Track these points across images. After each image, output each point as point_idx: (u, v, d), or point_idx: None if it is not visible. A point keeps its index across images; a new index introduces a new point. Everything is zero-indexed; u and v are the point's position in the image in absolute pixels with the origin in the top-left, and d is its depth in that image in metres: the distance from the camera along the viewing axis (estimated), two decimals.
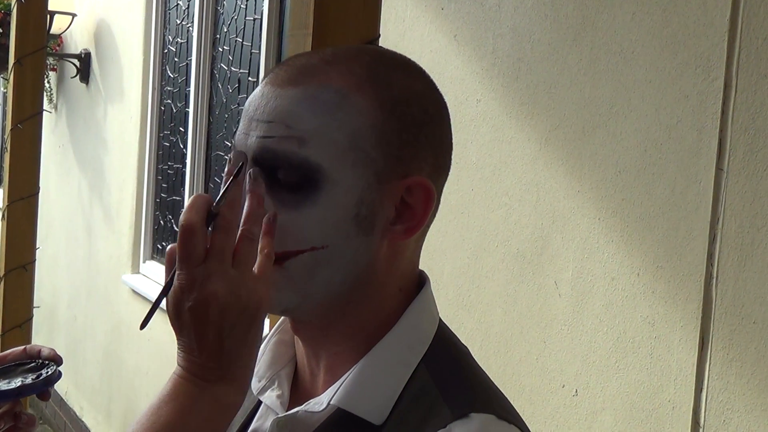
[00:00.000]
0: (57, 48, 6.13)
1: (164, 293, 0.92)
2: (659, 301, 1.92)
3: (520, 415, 1.01)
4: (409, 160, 0.98)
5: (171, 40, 4.91)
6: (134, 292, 4.99)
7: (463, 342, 1.09)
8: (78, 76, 5.87)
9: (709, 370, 1.81)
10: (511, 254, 2.33)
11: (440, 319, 1.07)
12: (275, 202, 0.95)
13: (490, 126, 2.40)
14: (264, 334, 1.12)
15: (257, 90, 0.99)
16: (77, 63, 5.87)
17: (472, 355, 1.08)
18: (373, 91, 0.96)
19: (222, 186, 0.94)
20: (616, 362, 2.02)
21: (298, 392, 1.08)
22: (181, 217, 0.91)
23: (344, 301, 0.99)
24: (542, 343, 2.23)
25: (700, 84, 1.83)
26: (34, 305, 3.02)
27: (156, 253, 5.07)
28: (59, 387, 6.28)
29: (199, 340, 0.91)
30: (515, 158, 2.32)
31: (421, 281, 1.07)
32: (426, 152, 0.99)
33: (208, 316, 0.89)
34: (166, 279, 0.93)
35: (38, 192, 3.24)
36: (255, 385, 1.10)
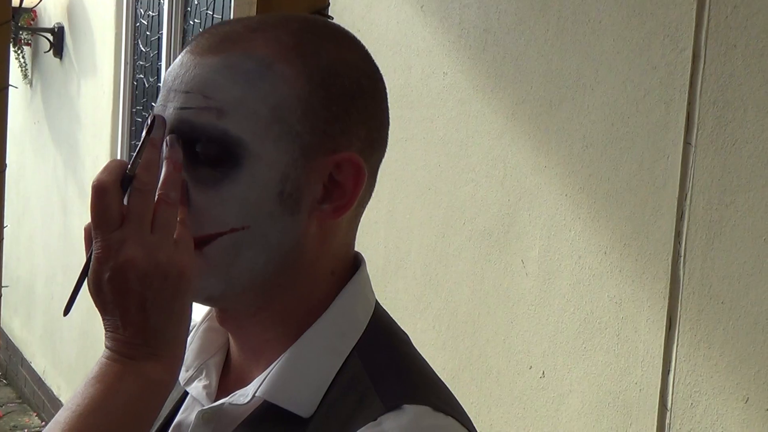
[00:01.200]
0: (31, 22, 6.02)
1: (84, 273, 0.85)
2: (626, 280, 1.85)
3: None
4: (338, 135, 0.91)
5: (143, 13, 4.81)
6: None
7: (402, 330, 1.02)
8: (51, 51, 5.76)
9: (676, 352, 1.75)
10: (478, 232, 2.26)
11: (378, 304, 1.00)
12: (193, 180, 0.89)
13: (457, 100, 2.32)
14: (193, 324, 1.06)
15: (177, 59, 0.92)
16: (50, 37, 5.76)
17: (412, 342, 1.01)
18: (301, 61, 0.89)
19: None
20: (582, 343, 1.96)
21: (228, 382, 1.01)
22: (93, 180, 0.85)
23: (271, 285, 0.92)
24: (509, 323, 2.16)
25: (668, 55, 1.76)
26: (4, 285, 2.94)
27: None
28: (37, 366, 6.22)
29: (122, 315, 0.84)
30: (482, 133, 2.25)
31: (356, 264, 1.00)
32: (357, 127, 0.92)
33: (127, 284, 0.83)
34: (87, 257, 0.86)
35: (5, 169, 3.12)
36: (182, 375, 1.03)
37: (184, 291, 0.86)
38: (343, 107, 0.90)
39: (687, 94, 1.72)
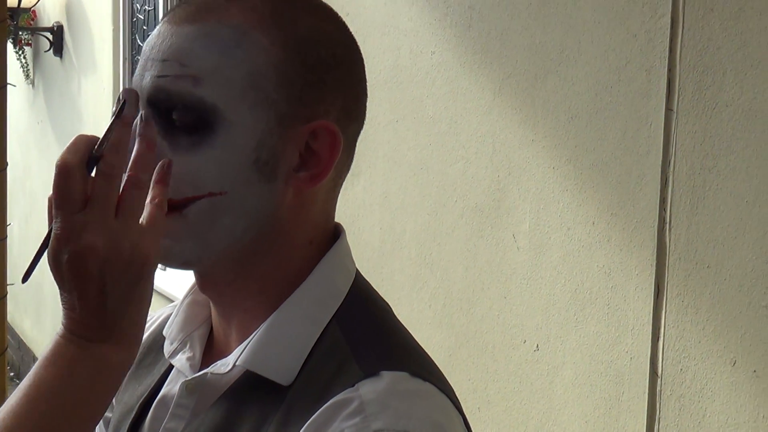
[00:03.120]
0: (31, 22, 6.05)
1: (45, 244, 0.83)
2: (615, 249, 1.86)
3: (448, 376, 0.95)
4: (313, 103, 0.92)
5: (139, 8, 4.83)
6: None
7: (382, 298, 1.02)
8: (51, 50, 5.79)
9: (665, 319, 1.75)
10: (469, 209, 2.27)
11: (358, 274, 1.01)
12: (171, 146, 0.89)
13: (445, 78, 2.33)
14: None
15: (155, 29, 0.94)
16: (50, 36, 5.79)
17: (393, 311, 1.02)
18: (276, 29, 0.90)
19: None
20: (574, 314, 1.96)
21: (211, 354, 1.02)
22: (58, 158, 0.83)
23: (249, 253, 0.94)
24: (503, 298, 2.17)
25: (647, 22, 1.76)
26: (9, 282, 2.96)
27: None
28: None
29: (80, 296, 0.83)
30: (470, 110, 2.25)
31: (336, 234, 1.01)
32: (333, 96, 0.93)
33: (87, 270, 0.81)
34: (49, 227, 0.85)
35: (6, 167, 3.13)
36: (167, 348, 1.04)
37: (147, 277, 0.84)
38: (319, 76, 0.91)
39: (667, 61, 1.72)
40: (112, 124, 0.85)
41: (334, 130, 0.92)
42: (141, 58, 0.93)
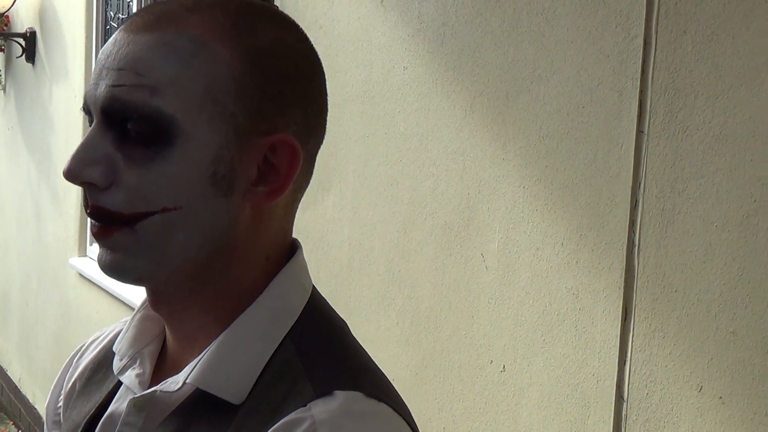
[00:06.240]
0: (4, 28, 5.99)
1: None
2: (583, 271, 1.84)
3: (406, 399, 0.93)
4: (273, 117, 0.89)
5: (112, 15, 4.79)
6: (81, 275, 4.88)
7: (339, 316, 1.00)
8: (24, 56, 5.73)
9: (632, 342, 1.73)
10: (439, 226, 2.25)
11: (315, 291, 0.99)
12: (124, 159, 0.87)
13: (417, 94, 2.31)
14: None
15: (111, 38, 0.91)
16: (22, 42, 5.72)
17: (350, 329, 1.00)
18: (236, 40, 0.88)
19: None
20: (542, 336, 1.94)
21: (163, 371, 1.00)
22: None
23: (203, 268, 0.91)
24: (470, 318, 2.15)
25: (620, 43, 1.75)
26: None
27: None
28: (13, 375, 6.16)
29: None
30: (441, 127, 2.23)
31: (293, 250, 0.98)
32: (293, 109, 0.91)
33: None
34: None
35: None
36: (116, 364, 1.02)
37: None
38: (278, 89, 0.89)
39: (639, 82, 1.71)
40: None
41: (293, 143, 0.90)
42: (95, 67, 0.91)
